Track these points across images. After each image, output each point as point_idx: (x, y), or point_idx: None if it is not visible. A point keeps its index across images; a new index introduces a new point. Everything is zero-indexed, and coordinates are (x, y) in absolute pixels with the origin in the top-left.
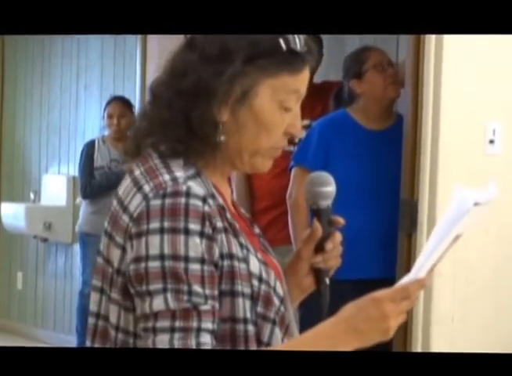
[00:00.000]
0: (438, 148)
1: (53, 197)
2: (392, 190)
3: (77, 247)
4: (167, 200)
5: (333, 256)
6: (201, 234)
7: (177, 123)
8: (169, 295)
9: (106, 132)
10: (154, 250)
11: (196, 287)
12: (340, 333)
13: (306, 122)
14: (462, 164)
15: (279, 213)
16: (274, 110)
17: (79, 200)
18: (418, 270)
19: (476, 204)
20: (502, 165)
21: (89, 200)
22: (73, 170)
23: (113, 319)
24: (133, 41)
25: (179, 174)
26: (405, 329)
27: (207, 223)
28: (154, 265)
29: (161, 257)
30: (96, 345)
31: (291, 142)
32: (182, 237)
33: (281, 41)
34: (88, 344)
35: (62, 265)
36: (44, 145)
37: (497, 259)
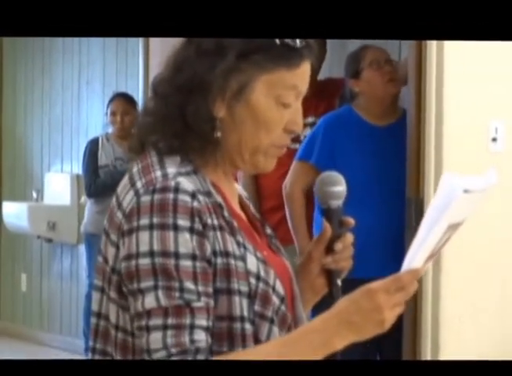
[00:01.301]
0: (442, 146)
1: (56, 196)
2: (398, 186)
3: (82, 248)
4: (156, 196)
5: (344, 257)
6: (191, 230)
7: (173, 118)
8: (160, 292)
9: (110, 130)
10: (144, 247)
11: (188, 284)
12: (333, 326)
13: (311, 119)
14: (465, 162)
15: None
16: (271, 105)
17: (84, 199)
18: (410, 261)
19: (466, 191)
20: (505, 162)
21: (94, 200)
22: (77, 168)
23: (112, 318)
24: None
25: (171, 170)
26: (415, 328)
27: (197, 219)
28: (144, 262)
29: (151, 254)
30: (98, 345)
31: (296, 140)
32: (171, 233)
33: None
34: (90, 344)
35: (67, 266)
36: (46, 142)
37: (505, 258)
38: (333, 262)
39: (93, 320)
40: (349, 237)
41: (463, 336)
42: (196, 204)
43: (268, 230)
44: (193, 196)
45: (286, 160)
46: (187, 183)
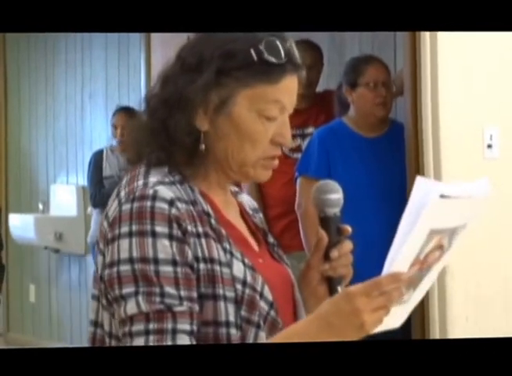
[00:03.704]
0: (440, 154)
1: (63, 207)
2: (394, 195)
3: (90, 258)
4: (135, 204)
5: (342, 264)
6: (170, 236)
7: (159, 132)
8: (140, 298)
9: (114, 142)
10: (124, 254)
11: (169, 289)
12: (313, 329)
13: (311, 130)
14: (462, 169)
15: (292, 220)
16: (254, 119)
17: (90, 209)
18: (390, 265)
19: (444, 197)
20: (500, 169)
21: (99, 210)
22: (82, 180)
23: (106, 326)
24: (137, 50)
25: (152, 179)
26: (423, 328)
27: (175, 225)
28: (125, 268)
29: (131, 260)
30: None
31: (298, 149)
32: (149, 240)
33: (252, 52)
34: None
35: (76, 276)
36: (51, 155)
37: (508, 260)
38: (331, 269)
39: (90, 329)
40: (347, 245)
41: (470, 336)
42: (174, 211)
43: (271, 239)
44: (171, 203)
45: (288, 168)
46: (165, 191)
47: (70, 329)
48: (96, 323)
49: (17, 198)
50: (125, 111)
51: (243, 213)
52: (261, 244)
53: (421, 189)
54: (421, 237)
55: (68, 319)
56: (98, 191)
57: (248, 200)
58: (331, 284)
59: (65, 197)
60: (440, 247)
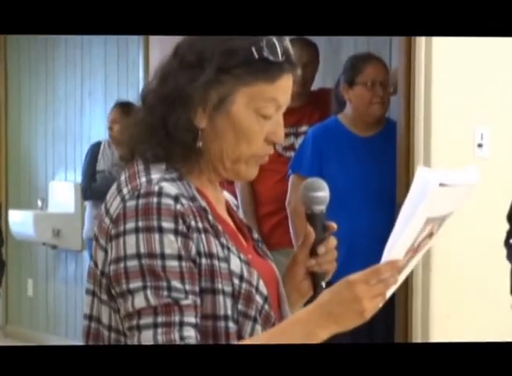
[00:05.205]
0: (430, 152)
1: (61, 203)
2: (387, 194)
3: (86, 254)
4: (141, 201)
5: (327, 260)
6: (175, 232)
7: (157, 128)
8: (149, 292)
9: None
10: (131, 249)
11: (175, 283)
12: (315, 318)
13: (305, 128)
14: (452, 167)
15: (282, 217)
16: (251, 117)
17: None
18: (389, 252)
19: (443, 185)
20: (490, 168)
21: (92, 204)
22: (80, 177)
23: (105, 319)
24: (135, 47)
25: (155, 176)
26: (406, 326)
27: (180, 221)
28: (132, 264)
29: (138, 256)
30: None
31: (291, 148)
32: (156, 236)
33: (253, 50)
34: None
35: (72, 271)
36: (50, 152)
37: (492, 259)
38: (317, 265)
39: (85, 323)
40: (332, 241)
41: (452, 334)
42: (179, 206)
43: (256, 235)
44: (176, 199)
45: (280, 167)
46: (170, 187)
47: (65, 322)
48: (91, 317)
49: (17, 195)
50: (121, 107)
51: (229, 209)
52: (248, 240)
53: (422, 178)
54: (419, 226)
55: (64, 312)
56: (89, 186)
57: (229, 196)
58: (315, 280)
59: (63, 194)
60: (430, 235)
